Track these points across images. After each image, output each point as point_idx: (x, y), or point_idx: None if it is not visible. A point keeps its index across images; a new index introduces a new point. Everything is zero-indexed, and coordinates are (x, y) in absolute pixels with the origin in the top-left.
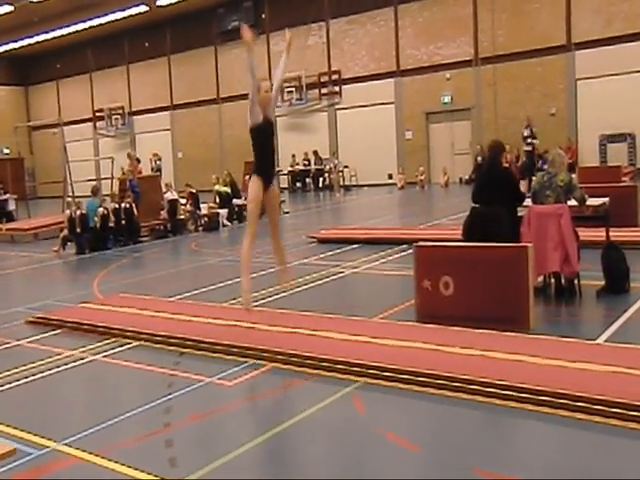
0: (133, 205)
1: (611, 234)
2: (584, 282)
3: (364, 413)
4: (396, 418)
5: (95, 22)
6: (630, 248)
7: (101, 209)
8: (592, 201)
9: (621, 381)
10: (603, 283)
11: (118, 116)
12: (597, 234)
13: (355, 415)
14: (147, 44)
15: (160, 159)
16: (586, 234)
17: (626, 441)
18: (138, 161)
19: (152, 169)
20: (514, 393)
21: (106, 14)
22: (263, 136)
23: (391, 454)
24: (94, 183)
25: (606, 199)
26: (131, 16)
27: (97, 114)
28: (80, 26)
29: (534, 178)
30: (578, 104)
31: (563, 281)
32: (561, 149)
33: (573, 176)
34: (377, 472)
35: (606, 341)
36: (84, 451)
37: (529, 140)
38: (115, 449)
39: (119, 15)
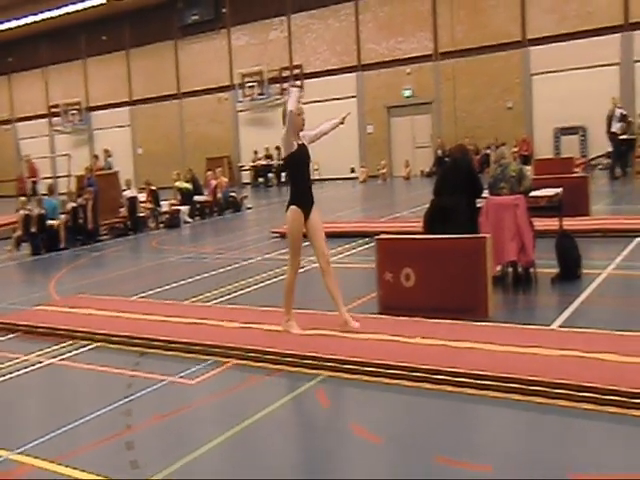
0: (89, 203)
1: (564, 223)
2: (539, 270)
3: (328, 406)
4: (359, 410)
5: (49, 14)
6: (582, 236)
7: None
8: (546, 192)
9: (574, 364)
10: (557, 270)
11: (75, 112)
12: (551, 223)
13: (319, 409)
14: (105, 38)
15: (110, 155)
16: (541, 224)
17: (583, 422)
18: (96, 158)
19: (101, 167)
20: (471, 380)
21: (61, 6)
22: (298, 163)
23: (354, 446)
24: (50, 181)
25: (559, 189)
26: (87, 9)
27: (52, 110)
28: (33, 18)
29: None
30: (533, 98)
31: (520, 270)
32: (517, 142)
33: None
34: (340, 464)
35: (560, 326)
36: (40, 459)
37: (628, 119)
38: (73, 455)
39: (75, 7)
